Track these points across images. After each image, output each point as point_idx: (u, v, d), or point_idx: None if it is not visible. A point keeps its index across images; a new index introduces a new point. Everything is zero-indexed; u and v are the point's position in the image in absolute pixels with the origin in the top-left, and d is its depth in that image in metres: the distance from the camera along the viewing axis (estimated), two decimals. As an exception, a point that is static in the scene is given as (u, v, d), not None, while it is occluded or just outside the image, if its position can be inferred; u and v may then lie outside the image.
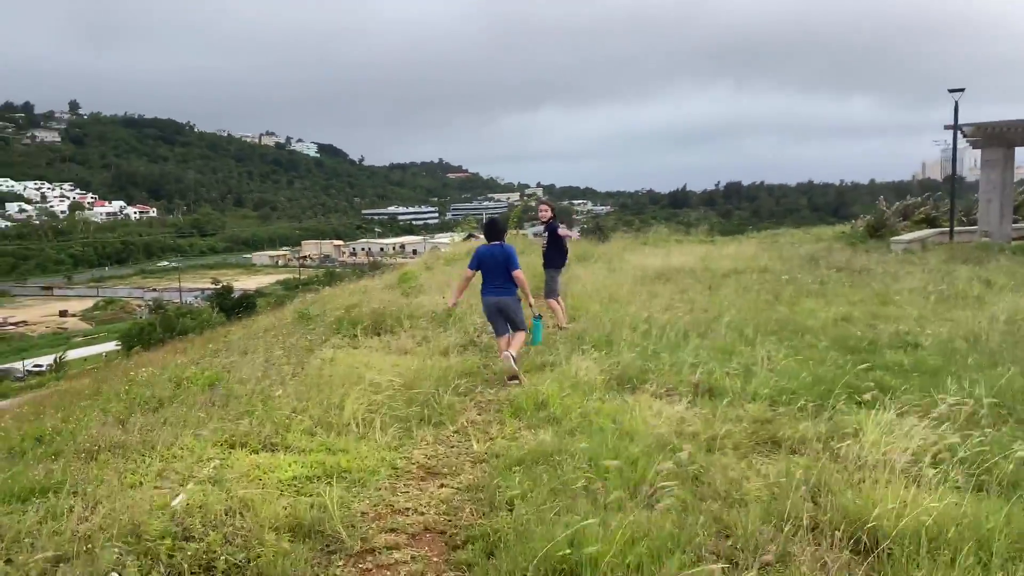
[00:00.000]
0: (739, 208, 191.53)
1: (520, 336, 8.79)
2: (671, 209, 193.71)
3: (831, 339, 9.94)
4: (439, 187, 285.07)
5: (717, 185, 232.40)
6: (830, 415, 6.37)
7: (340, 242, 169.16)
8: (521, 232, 27.80)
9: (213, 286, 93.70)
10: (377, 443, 5.99)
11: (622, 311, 12.00)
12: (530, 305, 9.02)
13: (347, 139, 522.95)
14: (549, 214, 12.14)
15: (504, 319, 8.84)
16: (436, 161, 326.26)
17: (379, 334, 10.75)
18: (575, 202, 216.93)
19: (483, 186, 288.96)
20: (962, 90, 25.72)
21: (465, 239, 26.01)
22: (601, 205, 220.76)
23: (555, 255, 11.77)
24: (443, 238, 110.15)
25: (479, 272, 9.00)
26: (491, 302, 8.82)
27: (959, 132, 28.49)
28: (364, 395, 7.05)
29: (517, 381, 8.03)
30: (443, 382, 7.76)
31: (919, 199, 34.48)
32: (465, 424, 6.68)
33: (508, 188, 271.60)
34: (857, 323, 11.81)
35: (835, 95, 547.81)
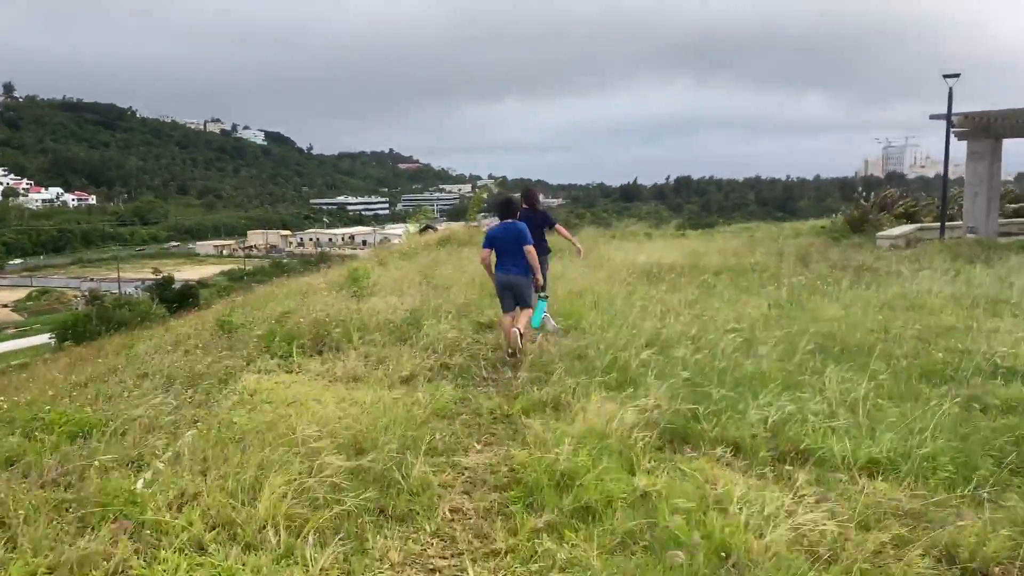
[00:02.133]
0: (689, 202, 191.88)
1: (527, 312, 8.78)
2: (622, 202, 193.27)
3: (907, 362, 7.81)
4: (390, 177, 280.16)
5: (667, 179, 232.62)
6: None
7: (287, 232, 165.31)
8: (476, 224, 25.53)
9: (154, 277, 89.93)
10: (309, 572, 3.61)
11: (624, 320, 9.76)
12: (537, 280, 8.90)
13: (296, 127, 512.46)
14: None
15: (512, 296, 8.85)
16: (387, 151, 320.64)
17: (321, 352, 8.34)
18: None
19: (435, 177, 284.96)
20: (957, 75, 24.05)
21: (422, 231, 23.63)
22: (553, 197, 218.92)
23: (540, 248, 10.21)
24: (394, 229, 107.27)
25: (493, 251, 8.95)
26: (503, 279, 8.85)
27: (947, 122, 26.88)
28: (292, 464, 4.67)
29: (516, 358, 8.08)
30: (410, 434, 5.41)
31: (896, 190, 33.06)
32: (449, 518, 4.34)
33: (460, 179, 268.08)
34: (905, 337, 9.77)
35: (788, 93, 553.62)
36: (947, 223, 29.48)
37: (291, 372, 7.57)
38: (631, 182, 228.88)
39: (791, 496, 4.28)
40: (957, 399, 6.22)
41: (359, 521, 4.17)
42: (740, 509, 4.08)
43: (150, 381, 7.49)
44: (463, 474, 4.97)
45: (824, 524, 3.90)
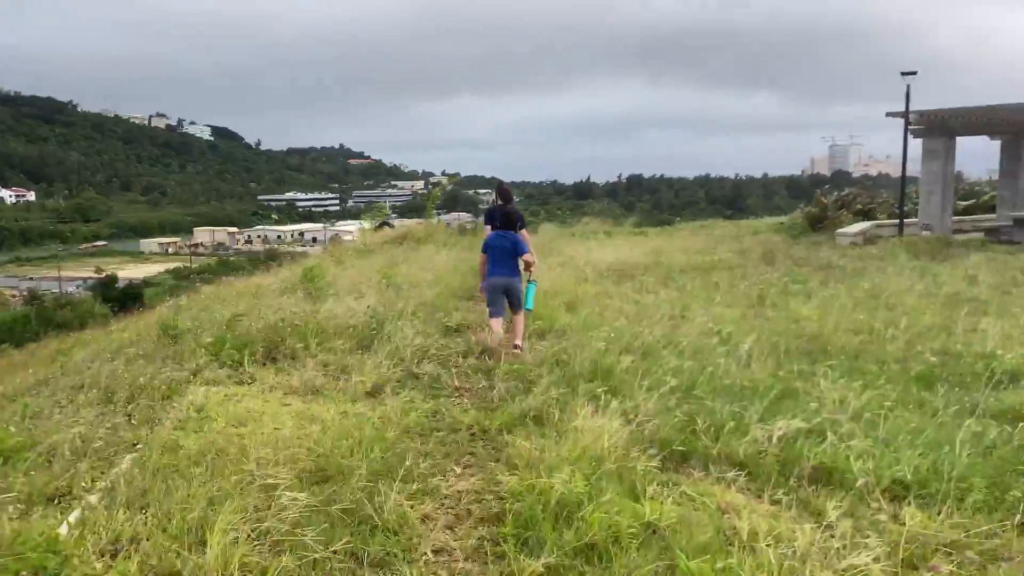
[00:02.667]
0: (641, 200, 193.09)
1: (521, 321, 8.98)
2: (575, 200, 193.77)
3: (898, 366, 7.41)
4: (340, 173, 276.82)
5: (619, 177, 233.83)
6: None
7: (235, 229, 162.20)
8: (434, 221, 24.84)
9: (96, 275, 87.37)
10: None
11: (599, 321, 9.25)
12: (529, 271, 9.40)
13: (244, 122, 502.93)
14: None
15: (506, 298, 9.18)
16: (337, 147, 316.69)
17: (276, 360, 7.64)
18: (480, 191, 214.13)
19: (386, 173, 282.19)
20: (914, 73, 24.06)
21: (377, 228, 22.87)
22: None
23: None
24: (346, 226, 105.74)
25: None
26: (498, 283, 9.18)
27: (903, 119, 26.94)
28: (247, 498, 4.03)
29: (519, 349, 8.29)
30: (380, 457, 4.80)
31: (855, 190, 33.20)
32: (432, 560, 3.73)
33: (412, 176, 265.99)
34: (889, 338, 9.42)
35: (740, 92, 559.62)
36: (896, 222, 29.66)
37: (243, 383, 6.87)
38: (584, 180, 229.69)
39: (821, 529, 3.77)
40: (965, 407, 5.82)
41: (327, 568, 3.54)
42: (768, 546, 3.56)
43: (85, 395, 6.76)
44: (444, 503, 4.37)
45: (867, 566, 3.38)
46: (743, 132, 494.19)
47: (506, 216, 9.67)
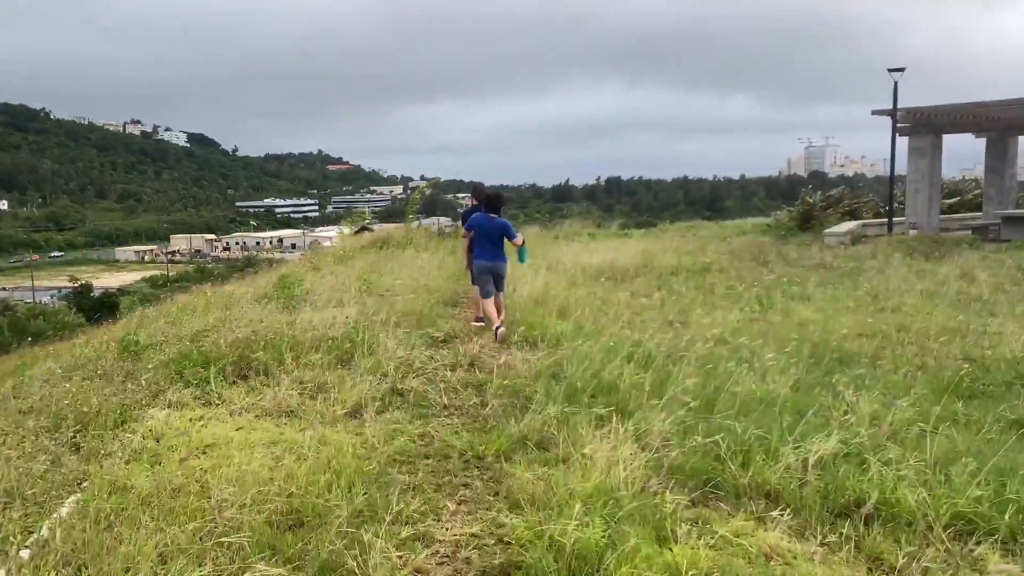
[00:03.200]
0: (620, 202, 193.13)
1: (502, 301, 9.63)
2: (554, 203, 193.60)
3: (921, 374, 6.86)
4: (319, 179, 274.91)
5: (598, 180, 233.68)
6: None
7: (212, 236, 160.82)
8: (414, 225, 24.16)
9: (70, 285, 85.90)
10: None
11: (595, 329, 8.65)
12: (517, 243, 9.87)
13: (221, 129, 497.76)
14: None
15: (493, 280, 9.55)
16: (315, 152, 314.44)
17: (247, 377, 6.97)
18: (459, 195, 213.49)
19: (365, 179, 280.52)
20: (902, 69, 23.70)
21: (357, 232, 22.17)
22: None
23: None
24: (325, 232, 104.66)
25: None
26: (486, 266, 9.53)
27: (890, 117, 26.60)
28: (206, 556, 3.38)
29: (500, 327, 8.84)
30: (363, 492, 4.16)
31: (841, 189, 32.86)
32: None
33: (391, 181, 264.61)
34: (897, 341, 8.90)
35: (717, 94, 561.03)
36: (884, 220, 29.32)
37: (209, 405, 6.20)
38: (563, 183, 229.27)
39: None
40: (1010, 422, 5.26)
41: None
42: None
43: (34, 420, 6.06)
44: (439, 553, 3.73)
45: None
46: (720, 134, 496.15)
47: (490, 201, 10.07)
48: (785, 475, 4.34)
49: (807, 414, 5.23)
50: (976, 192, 36.05)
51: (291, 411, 6.02)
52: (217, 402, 6.23)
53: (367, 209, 30.29)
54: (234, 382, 6.82)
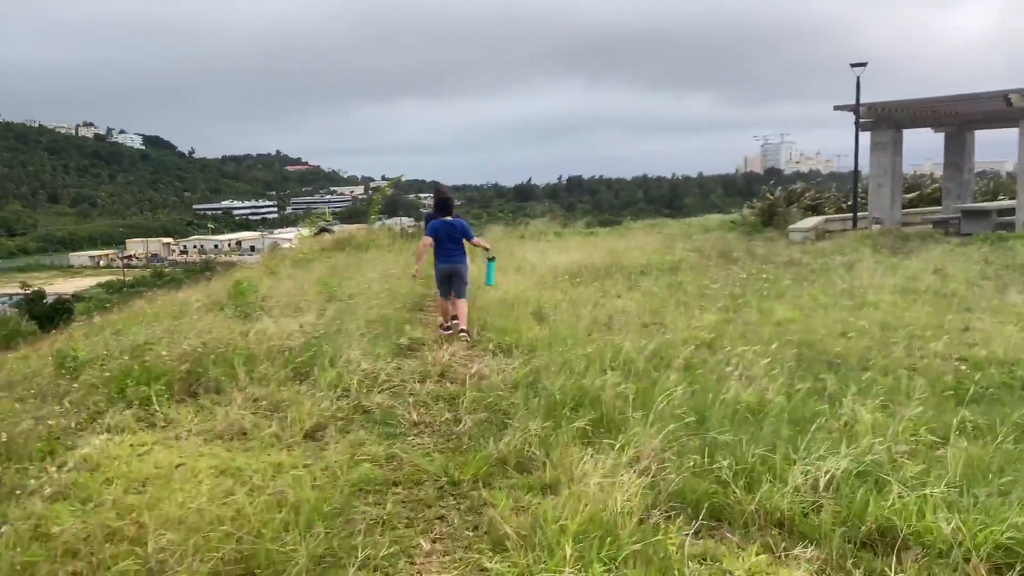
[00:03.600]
0: (581, 201, 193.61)
1: (464, 307, 9.43)
2: (516, 202, 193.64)
3: (915, 377, 6.51)
4: (278, 180, 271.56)
5: (560, 179, 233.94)
6: None
7: (170, 240, 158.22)
8: (376, 226, 23.51)
9: (22, 291, 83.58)
10: None
11: (571, 334, 8.20)
12: (487, 249, 10.19)
13: (177, 131, 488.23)
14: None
15: (451, 284, 9.62)
16: (274, 153, 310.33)
17: (196, 395, 6.40)
18: (421, 195, 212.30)
19: (325, 179, 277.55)
20: (864, 64, 23.62)
21: (317, 234, 21.49)
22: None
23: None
24: (285, 233, 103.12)
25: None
26: (446, 269, 9.59)
27: (854, 112, 26.57)
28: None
29: (467, 335, 8.89)
30: (324, 531, 3.65)
31: (803, 185, 32.88)
32: None
33: (352, 181, 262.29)
34: (879, 340, 8.58)
35: (677, 93, 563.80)
36: (849, 215, 29.35)
37: (154, 427, 5.63)
38: (525, 182, 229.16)
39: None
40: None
41: None
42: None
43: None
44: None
45: None
46: (679, 133, 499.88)
47: (445, 202, 10.18)
48: (795, 499, 3.91)
49: (810, 427, 4.80)
50: (935, 186, 36.35)
51: (243, 433, 5.48)
52: (162, 424, 5.67)
53: (327, 210, 29.46)
54: (182, 400, 6.25)
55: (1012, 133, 24.61)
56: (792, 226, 25.35)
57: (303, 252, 17.55)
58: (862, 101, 26.61)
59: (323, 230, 21.98)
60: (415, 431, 5.63)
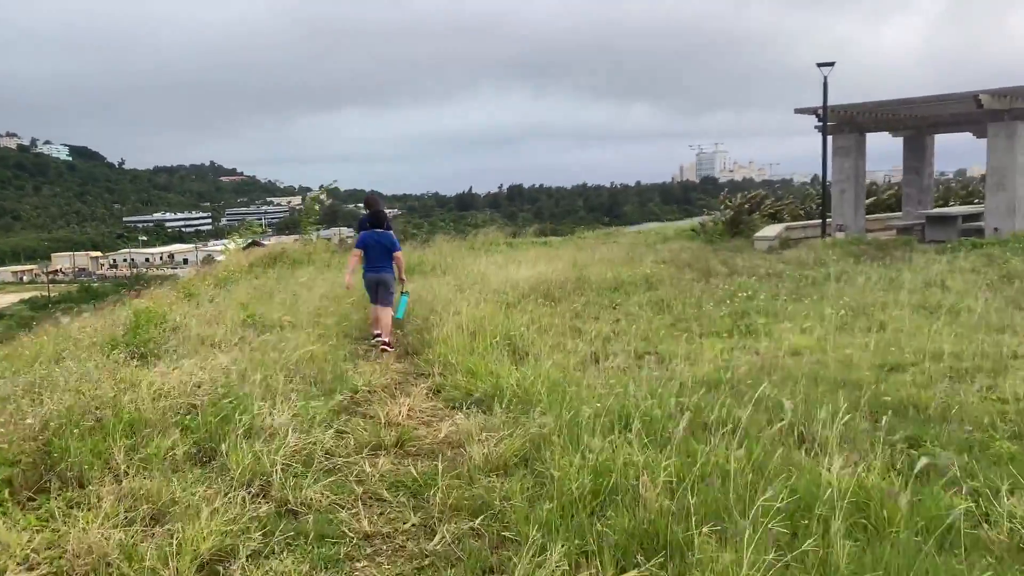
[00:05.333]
0: (522, 210, 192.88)
1: (387, 315, 9.93)
2: (458, 212, 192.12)
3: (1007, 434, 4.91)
4: (212, 191, 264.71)
5: (500, 188, 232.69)
6: None
7: (98, 253, 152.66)
8: (312, 238, 21.43)
9: (-66, 310, 78.85)
10: None
11: (558, 375, 6.43)
12: (402, 280, 10.50)
13: (106, 141, 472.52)
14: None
15: (376, 292, 10.07)
16: (207, 164, 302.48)
17: (48, 491, 4.45)
18: (359, 205, 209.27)
19: (261, 190, 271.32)
20: (832, 64, 22.43)
21: (247, 246, 19.37)
22: (388, 208, 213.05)
23: None
24: (218, 245, 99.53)
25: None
26: (373, 278, 10.11)
27: (816, 116, 25.46)
28: None
29: (387, 347, 9.31)
30: None
31: (761, 191, 31.78)
32: None
33: (289, 191, 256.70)
34: (918, 372, 7.02)
35: (618, 103, 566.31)
36: (809, 222, 28.30)
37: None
38: (466, 191, 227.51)
39: None
40: None
41: None
42: None
43: None
44: None
45: None
46: (618, 142, 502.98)
47: (376, 216, 10.42)
48: None
49: (960, 543, 3.12)
50: (890, 192, 35.65)
51: (106, 564, 3.56)
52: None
53: (256, 221, 27.13)
54: (23, 505, 4.28)
55: (958, 139, 23.79)
56: (757, 234, 24.07)
57: (228, 269, 15.44)
58: (808, 106, 25.60)
59: (253, 243, 19.87)
60: (367, 551, 3.78)
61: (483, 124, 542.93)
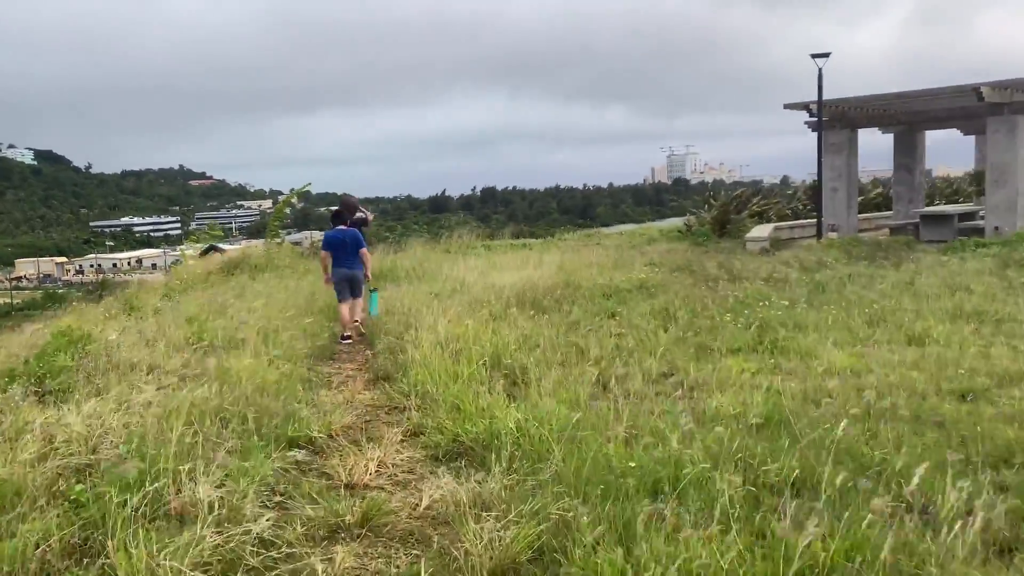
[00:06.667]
0: (496, 212, 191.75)
1: (360, 302, 10.59)
2: (431, 214, 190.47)
3: None
4: (181, 195, 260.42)
5: (474, 190, 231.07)
6: None
7: (63, 259, 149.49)
8: (279, 241, 19.92)
9: None
10: None
11: (564, 404, 5.07)
12: (367, 278, 10.84)
13: (72, 145, 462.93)
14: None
15: (350, 288, 10.44)
16: (176, 167, 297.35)
17: None
18: (332, 208, 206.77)
19: (231, 193, 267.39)
20: (827, 55, 21.27)
21: (205, 252, 17.81)
22: (360, 212, 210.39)
23: None
24: (191, 251, 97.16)
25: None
26: (343, 274, 10.43)
27: (807, 112, 24.35)
28: None
29: (349, 340, 9.92)
30: None
31: (747, 190, 30.68)
32: None
33: (259, 195, 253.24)
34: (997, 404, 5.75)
35: (593, 105, 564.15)
36: (797, 222, 27.21)
37: None
38: (440, 194, 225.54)
39: None
40: None
41: None
42: None
43: None
44: None
45: None
46: (591, 144, 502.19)
47: (336, 215, 10.95)
48: None
49: None
50: (878, 191, 34.69)
51: None
52: None
53: (215, 224, 25.41)
54: None
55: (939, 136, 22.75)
56: (749, 235, 22.87)
57: (181, 278, 13.91)
58: (796, 101, 24.48)
59: (212, 248, 18.31)
60: None
61: (459, 126, 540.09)
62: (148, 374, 6.79)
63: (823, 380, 6.79)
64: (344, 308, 10.24)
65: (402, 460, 4.85)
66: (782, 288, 12.95)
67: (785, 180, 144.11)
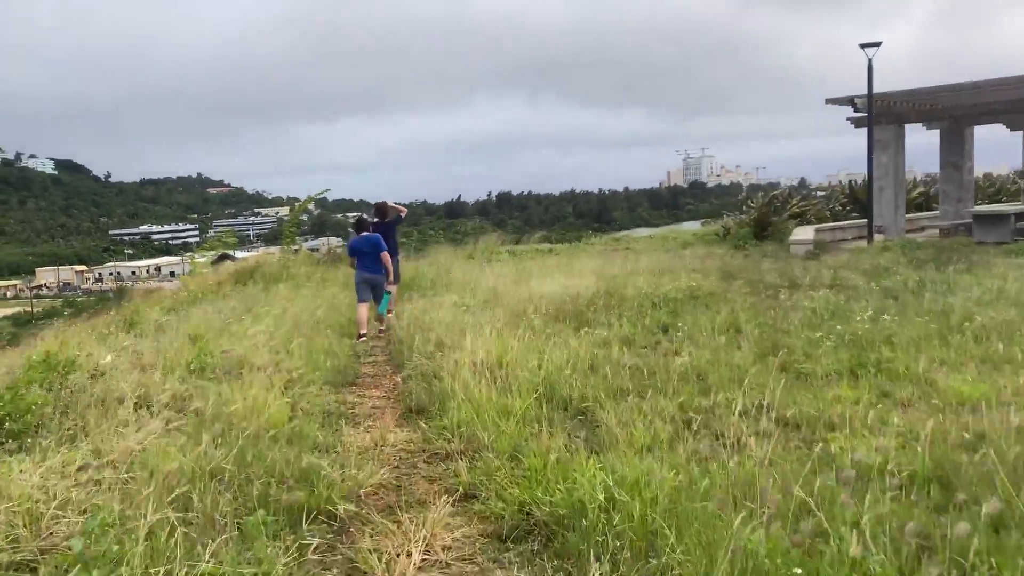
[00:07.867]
0: (511, 218, 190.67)
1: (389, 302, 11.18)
2: (447, 219, 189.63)
3: None
4: (199, 203, 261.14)
5: (489, 195, 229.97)
6: None
7: (83, 267, 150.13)
8: (296, 248, 18.80)
9: (-88, 329, 75.85)
10: None
11: (637, 475, 3.80)
12: (388, 281, 11.14)
13: (91, 154, 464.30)
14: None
15: (370, 290, 10.87)
16: (194, 176, 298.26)
17: None
18: (349, 215, 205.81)
19: (249, 200, 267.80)
20: (878, 44, 19.88)
21: (216, 261, 16.70)
22: (375, 217, 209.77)
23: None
24: (202, 259, 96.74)
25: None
26: (364, 277, 10.85)
27: (852, 106, 22.97)
28: None
29: (364, 337, 10.08)
30: None
31: (785, 190, 29.31)
32: None
33: (277, 202, 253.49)
34: None
35: (610, 109, 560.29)
36: (838, 224, 25.85)
37: None
38: (455, 199, 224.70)
39: None
40: None
41: None
42: None
43: None
44: None
45: None
46: (607, 148, 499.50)
47: (359, 223, 11.75)
48: None
49: None
50: (920, 191, 33.14)
51: None
52: None
53: (229, 231, 24.24)
54: None
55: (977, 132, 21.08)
56: (792, 238, 21.53)
57: (188, 290, 12.75)
58: (840, 96, 23.10)
59: (224, 257, 17.18)
60: None
61: (476, 132, 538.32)
62: (137, 410, 5.62)
63: (958, 415, 5.51)
64: (363, 308, 10.61)
65: (455, 540, 3.62)
66: (852, 297, 11.60)
67: (803, 182, 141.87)
